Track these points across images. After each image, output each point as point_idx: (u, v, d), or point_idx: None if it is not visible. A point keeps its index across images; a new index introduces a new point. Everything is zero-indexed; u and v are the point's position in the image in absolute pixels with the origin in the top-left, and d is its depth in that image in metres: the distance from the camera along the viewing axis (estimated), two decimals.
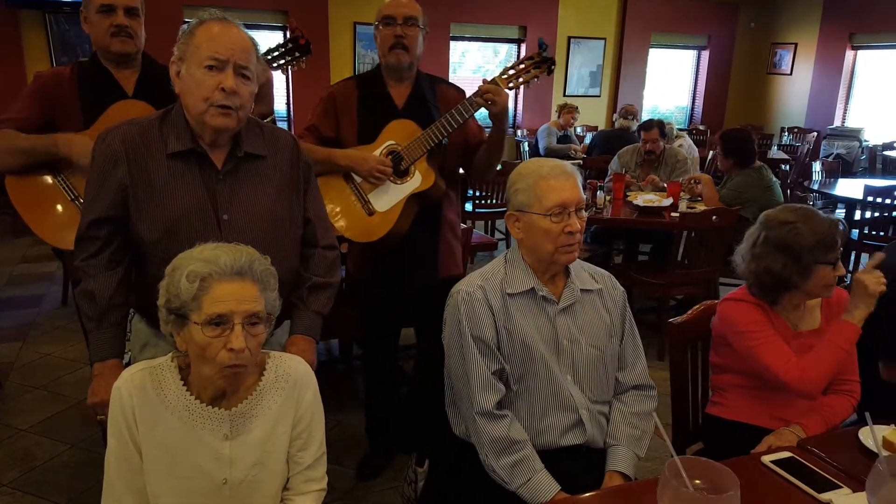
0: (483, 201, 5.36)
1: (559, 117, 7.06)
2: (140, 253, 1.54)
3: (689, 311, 1.94)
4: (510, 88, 2.10)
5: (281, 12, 7.38)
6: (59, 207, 1.99)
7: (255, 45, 1.51)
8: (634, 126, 5.94)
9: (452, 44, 8.48)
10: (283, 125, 5.47)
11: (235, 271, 1.21)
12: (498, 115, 2.12)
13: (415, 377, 1.77)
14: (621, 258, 4.75)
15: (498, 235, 5.79)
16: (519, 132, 8.51)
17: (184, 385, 1.30)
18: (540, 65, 2.11)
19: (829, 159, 7.45)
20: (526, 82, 2.11)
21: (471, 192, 5.25)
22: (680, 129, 6.12)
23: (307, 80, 7.60)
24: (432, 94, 2.29)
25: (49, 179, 2.00)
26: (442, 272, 2.33)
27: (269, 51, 2.13)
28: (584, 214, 1.57)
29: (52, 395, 3.23)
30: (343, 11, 7.83)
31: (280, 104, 8.00)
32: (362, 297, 2.49)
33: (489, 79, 2.10)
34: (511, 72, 2.11)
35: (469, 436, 1.58)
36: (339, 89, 2.31)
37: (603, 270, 1.73)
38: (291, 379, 1.37)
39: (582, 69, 9.39)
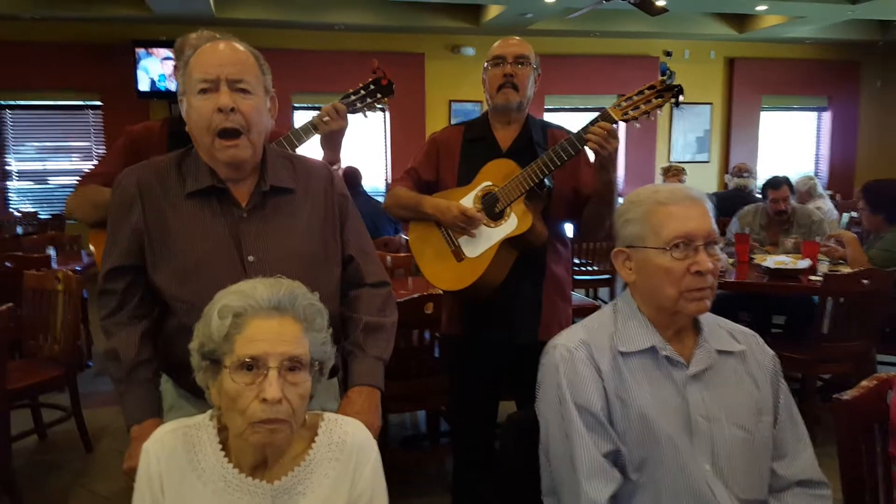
0: (583, 268, 5.01)
1: (664, 181, 6.68)
2: (161, 305, 1.39)
3: (860, 385, 1.51)
4: (625, 120, 1.85)
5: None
6: None
7: (255, 56, 1.36)
8: (752, 184, 5.46)
9: (548, 115, 8.42)
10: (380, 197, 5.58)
11: (273, 305, 1.02)
12: (603, 161, 1.87)
13: (502, 455, 1.44)
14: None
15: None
16: (621, 200, 8.16)
17: (221, 450, 1.09)
18: (663, 93, 1.83)
19: None
20: (645, 113, 1.84)
21: None
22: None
23: (404, 152, 7.78)
24: (542, 137, 2.09)
25: None
26: (542, 333, 2.04)
27: (347, 95, 2.01)
28: (719, 252, 1.25)
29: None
30: (439, 91, 8.18)
31: (379, 181, 8.16)
32: (452, 359, 2.23)
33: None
34: (625, 102, 1.86)
35: None
36: (444, 134, 2.21)
37: (745, 328, 1.37)
38: (347, 448, 1.13)
39: (688, 135, 9.02)
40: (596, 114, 1.89)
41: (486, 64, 2.08)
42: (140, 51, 7.11)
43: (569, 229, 2.22)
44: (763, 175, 9.28)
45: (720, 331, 1.33)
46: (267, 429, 1.00)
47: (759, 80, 9.07)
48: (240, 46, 1.34)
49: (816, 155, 9.79)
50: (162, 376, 1.45)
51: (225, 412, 1.05)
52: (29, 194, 7.50)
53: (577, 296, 3.54)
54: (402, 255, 3.74)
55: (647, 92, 1.85)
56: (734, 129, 9.16)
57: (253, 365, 1.00)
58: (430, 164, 2.16)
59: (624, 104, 1.86)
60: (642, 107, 1.85)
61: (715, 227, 1.25)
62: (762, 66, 9.06)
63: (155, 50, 7.12)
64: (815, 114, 9.68)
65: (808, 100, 9.49)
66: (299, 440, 1.12)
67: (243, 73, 1.31)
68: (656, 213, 1.24)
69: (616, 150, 1.85)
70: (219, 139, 1.29)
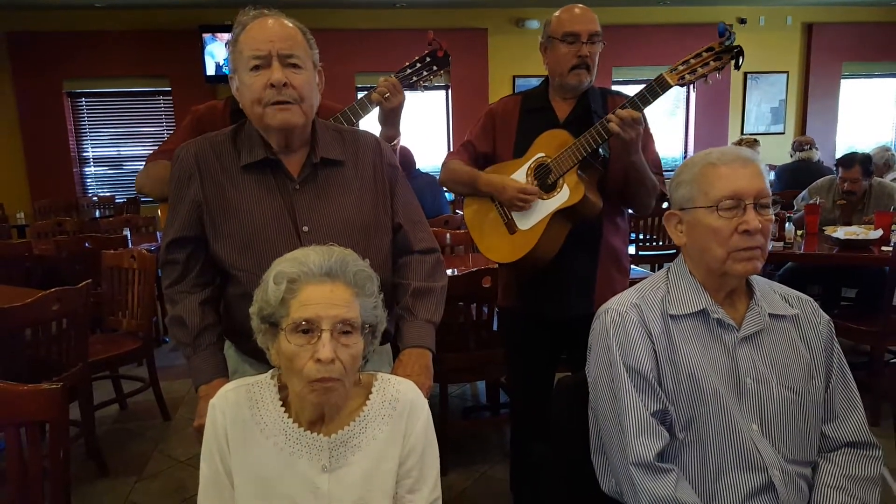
0: (648, 243, 4.91)
1: None
2: (222, 273, 1.46)
3: None
4: (681, 84, 1.79)
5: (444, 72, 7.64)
6: None
7: (302, 31, 1.38)
8: (816, 156, 5.21)
9: (615, 88, 8.18)
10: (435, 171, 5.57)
11: (325, 272, 1.07)
12: (625, 145, 1.81)
13: (554, 418, 1.46)
14: (819, 304, 4.03)
15: None
16: None
17: (282, 406, 1.17)
18: (721, 55, 1.77)
19: None
20: (703, 76, 1.78)
21: (633, 235, 4.87)
22: None
23: (466, 130, 7.72)
24: (601, 105, 2.03)
25: None
26: (596, 306, 2.01)
27: (403, 69, 2.02)
28: (770, 213, 1.22)
29: None
30: (503, 66, 8.01)
31: (441, 160, 8.15)
32: (507, 332, 2.26)
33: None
34: (681, 66, 1.80)
35: (620, 493, 1.26)
36: (501, 106, 2.17)
37: (801, 294, 1.35)
38: (400, 405, 1.18)
39: (762, 105, 8.61)
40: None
41: (550, 36, 2.01)
42: (206, 36, 7.31)
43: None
44: (842, 145, 8.81)
45: (773, 295, 1.31)
46: (322, 387, 1.06)
47: (839, 45, 8.54)
48: (287, 22, 1.37)
49: None
50: (226, 341, 1.52)
51: (284, 372, 1.12)
52: (105, 179, 7.89)
53: (641, 271, 3.49)
54: (462, 231, 3.77)
55: (704, 54, 1.80)
56: (811, 98, 8.67)
57: (308, 328, 1.06)
58: (486, 136, 2.14)
59: (681, 68, 1.81)
60: (699, 70, 1.79)
61: (768, 187, 1.22)
62: (843, 31, 8.51)
63: (220, 35, 7.29)
64: None
65: (893, 66, 8.87)
66: (354, 397, 1.18)
67: (294, 48, 1.33)
68: (707, 174, 1.23)
69: (638, 136, 1.81)
70: (269, 106, 1.33)
